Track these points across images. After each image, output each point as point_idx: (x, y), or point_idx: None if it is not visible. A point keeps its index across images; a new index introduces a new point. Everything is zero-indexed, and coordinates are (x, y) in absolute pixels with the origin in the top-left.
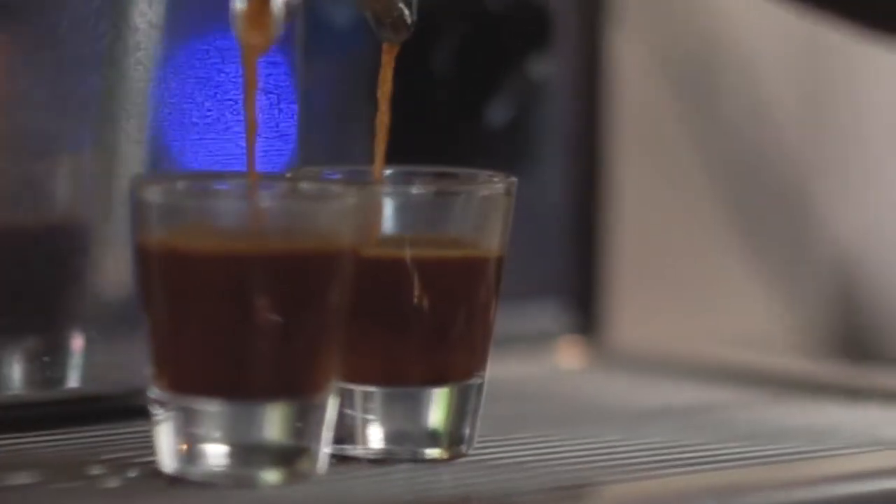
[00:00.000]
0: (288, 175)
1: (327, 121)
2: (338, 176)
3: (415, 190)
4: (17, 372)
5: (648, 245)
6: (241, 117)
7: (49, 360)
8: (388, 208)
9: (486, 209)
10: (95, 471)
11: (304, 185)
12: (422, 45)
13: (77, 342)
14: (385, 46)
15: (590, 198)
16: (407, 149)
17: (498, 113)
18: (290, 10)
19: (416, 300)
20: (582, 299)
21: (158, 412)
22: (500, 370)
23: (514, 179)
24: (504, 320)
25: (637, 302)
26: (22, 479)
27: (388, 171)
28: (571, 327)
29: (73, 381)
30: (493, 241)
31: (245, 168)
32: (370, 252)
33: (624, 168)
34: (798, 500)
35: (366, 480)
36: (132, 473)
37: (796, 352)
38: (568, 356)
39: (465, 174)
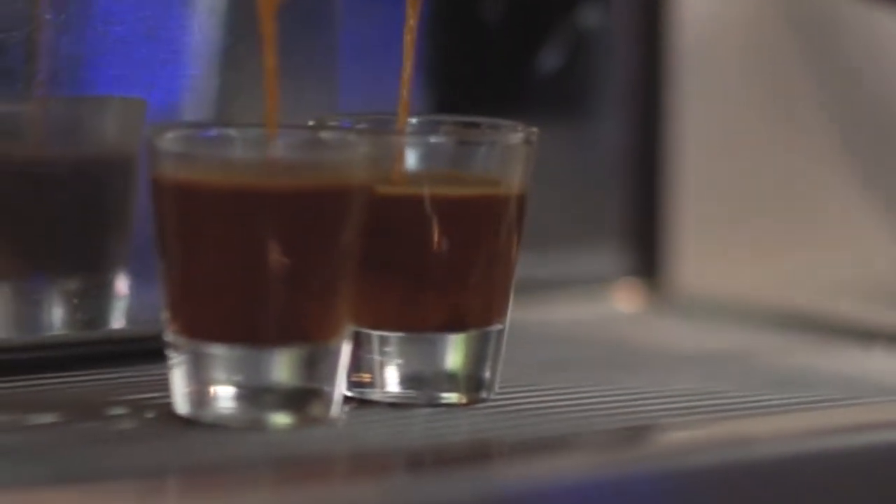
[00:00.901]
0: (309, 123)
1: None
2: (362, 125)
3: (433, 139)
4: (49, 313)
5: (713, 188)
6: None
7: (79, 302)
8: (409, 157)
9: (506, 157)
10: (114, 411)
11: (317, 133)
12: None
13: (115, 283)
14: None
15: (652, 141)
16: (464, 96)
17: (552, 59)
18: None
19: (432, 241)
20: (643, 242)
21: (173, 355)
22: (555, 313)
23: (534, 129)
24: (564, 263)
25: (700, 246)
26: (43, 419)
27: (412, 120)
28: (632, 271)
29: (108, 322)
30: (512, 182)
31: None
32: (386, 190)
33: (687, 110)
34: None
35: (379, 424)
36: (149, 415)
37: (871, 299)
38: (627, 300)
39: (487, 123)
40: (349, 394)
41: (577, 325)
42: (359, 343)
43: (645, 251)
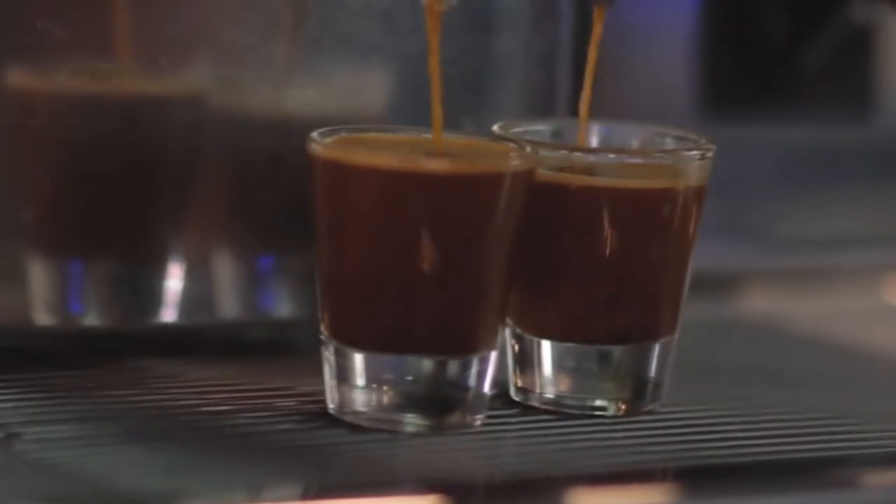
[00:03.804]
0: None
1: None
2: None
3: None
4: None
5: None
6: None
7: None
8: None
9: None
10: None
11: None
12: None
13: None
14: (595, 12)
15: None
16: (730, 88)
17: (816, 56)
18: None
19: (603, 241)
20: None
21: (324, 350)
22: (814, 306)
23: (711, 146)
24: (835, 255)
25: None
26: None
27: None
28: None
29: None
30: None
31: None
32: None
33: None
34: None
35: (531, 434)
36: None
37: None
38: None
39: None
40: (516, 398)
41: (838, 318)
42: (521, 347)
43: None
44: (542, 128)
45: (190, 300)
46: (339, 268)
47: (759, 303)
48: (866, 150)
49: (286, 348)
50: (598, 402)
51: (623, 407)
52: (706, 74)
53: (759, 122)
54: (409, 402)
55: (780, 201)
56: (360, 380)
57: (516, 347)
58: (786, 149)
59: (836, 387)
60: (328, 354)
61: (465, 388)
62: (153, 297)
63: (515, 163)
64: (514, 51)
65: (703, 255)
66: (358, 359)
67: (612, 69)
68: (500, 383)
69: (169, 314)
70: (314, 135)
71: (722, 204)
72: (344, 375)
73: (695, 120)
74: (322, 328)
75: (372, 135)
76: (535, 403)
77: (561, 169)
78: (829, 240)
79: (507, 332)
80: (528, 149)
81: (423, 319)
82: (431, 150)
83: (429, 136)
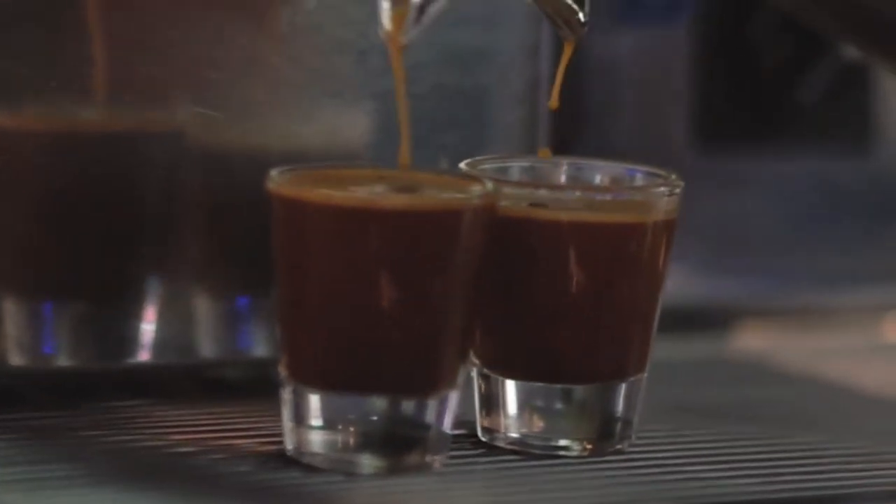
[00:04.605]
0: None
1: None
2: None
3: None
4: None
5: None
6: None
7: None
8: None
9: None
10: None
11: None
12: (742, 21)
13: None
14: (564, 43)
15: None
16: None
17: (810, 91)
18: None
19: (568, 276)
20: None
21: (282, 391)
22: (808, 344)
23: (681, 183)
24: (831, 293)
25: None
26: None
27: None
28: None
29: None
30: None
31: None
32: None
33: None
34: None
35: (486, 474)
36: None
37: None
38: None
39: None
40: (482, 439)
41: (830, 357)
42: (486, 386)
43: None
44: (516, 164)
45: (165, 340)
46: (297, 306)
47: (752, 341)
48: (864, 186)
49: (263, 388)
50: (564, 442)
51: (589, 447)
52: (701, 110)
53: (754, 158)
54: (366, 442)
55: (776, 238)
56: (317, 420)
57: (482, 387)
58: (782, 185)
59: (819, 425)
60: (286, 395)
61: (424, 429)
62: (126, 337)
63: (474, 199)
64: (494, 87)
65: (697, 292)
66: (315, 399)
67: (605, 105)
68: (468, 423)
69: (144, 354)
70: (272, 172)
71: (717, 240)
72: (301, 416)
73: (689, 156)
74: (280, 368)
75: (332, 171)
76: (500, 444)
77: (529, 205)
78: (826, 277)
79: (475, 371)
80: (489, 185)
81: (381, 359)
82: (391, 187)
83: (391, 171)
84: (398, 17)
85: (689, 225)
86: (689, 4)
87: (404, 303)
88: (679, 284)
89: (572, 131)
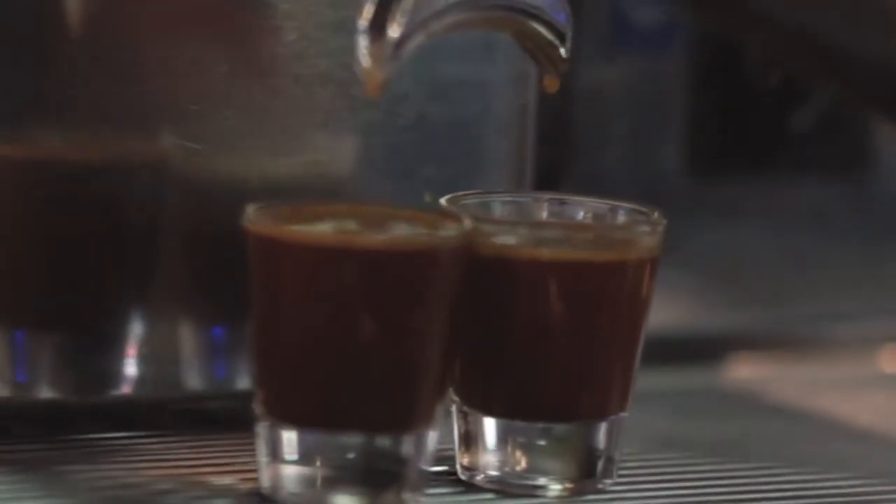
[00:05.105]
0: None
1: None
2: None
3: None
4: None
5: None
6: None
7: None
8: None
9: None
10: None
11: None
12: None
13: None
14: (545, 80)
15: None
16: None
17: (803, 120)
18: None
19: (548, 315)
20: None
21: (258, 426)
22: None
23: (663, 221)
24: (829, 324)
25: None
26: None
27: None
28: None
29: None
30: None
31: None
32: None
33: None
34: None
35: None
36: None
37: None
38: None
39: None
40: (462, 477)
41: (824, 388)
42: (466, 424)
43: None
44: (497, 199)
45: (144, 372)
46: (272, 342)
47: (745, 372)
48: (859, 216)
49: (243, 420)
50: (543, 481)
51: (570, 486)
52: (694, 139)
53: (748, 187)
54: (341, 480)
55: (770, 268)
56: (292, 457)
57: (462, 424)
58: (776, 214)
59: (810, 461)
60: (261, 431)
61: (401, 466)
62: (105, 368)
63: (451, 238)
64: (480, 118)
65: (690, 323)
66: (290, 436)
67: (595, 134)
68: (449, 461)
69: (123, 386)
70: (247, 209)
71: (710, 270)
72: (276, 452)
73: (682, 186)
74: (255, 405)
75: (308, 208)
76: (479, 482)
77: (508, 244)
78: (821, 308)
79: (454, 408)
80: (467, 223)
81: (356, 396)
82: (368, 224)
83: (369, 207)
84: (375, 54)
85: (683, 255)
86: (681, 33)
87: (380, 340)
88: (671, 315)
89: (561, 161)
